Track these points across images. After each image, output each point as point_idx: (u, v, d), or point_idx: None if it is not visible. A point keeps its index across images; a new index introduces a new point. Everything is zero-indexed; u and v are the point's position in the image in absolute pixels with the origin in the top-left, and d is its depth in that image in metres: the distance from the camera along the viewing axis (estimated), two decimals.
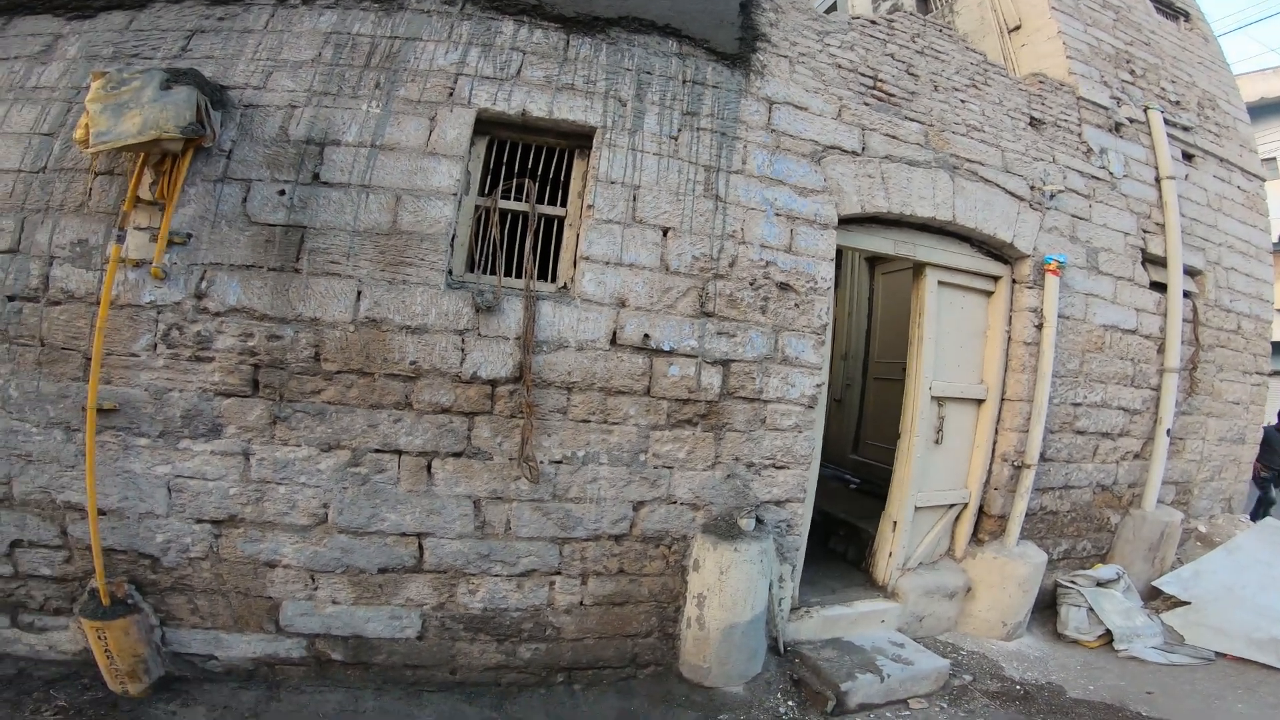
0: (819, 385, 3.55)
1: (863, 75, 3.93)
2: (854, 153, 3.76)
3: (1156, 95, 5.23)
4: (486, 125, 3.31)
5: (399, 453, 3.01)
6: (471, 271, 3.23)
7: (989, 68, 4.43)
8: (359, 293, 3.00)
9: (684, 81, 3.52)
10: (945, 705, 3.48)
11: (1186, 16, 6.06)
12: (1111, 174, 4.74)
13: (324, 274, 3.00)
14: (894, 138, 3.90)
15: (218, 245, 2.98)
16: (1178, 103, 5.37)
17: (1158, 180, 4.93)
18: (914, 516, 4.13)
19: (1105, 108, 4.85)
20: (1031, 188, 4.32)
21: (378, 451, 2.99)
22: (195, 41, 3.22)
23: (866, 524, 4.61)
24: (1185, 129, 5.29)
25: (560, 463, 3.14)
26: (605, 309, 3.20)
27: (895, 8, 6.17)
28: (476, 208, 3.29)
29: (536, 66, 3.33)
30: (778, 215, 3.55)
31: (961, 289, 4.28)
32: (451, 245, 3.16)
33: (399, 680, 3.16)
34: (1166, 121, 5.08)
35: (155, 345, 2.92)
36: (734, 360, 3.37)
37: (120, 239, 2.79)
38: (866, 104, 3.88)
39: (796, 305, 3.53)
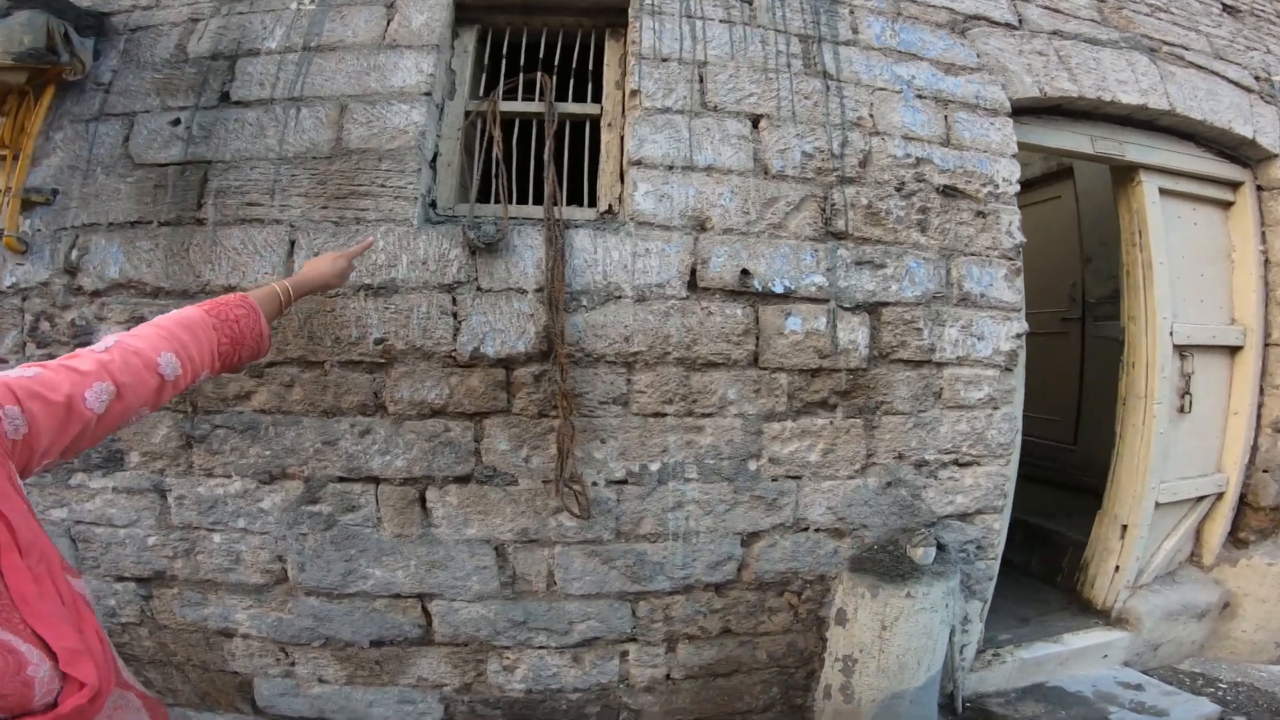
0: (1019, 335, 2.26)
1: None
2: (1009, 25, 2.56)
3: None
4: (473, 11, 2.29)
5: (374, 480, 1.97)
6: (465, 202, 2.12)
7: None
8: (292, 242, 1.95)
9: None
10: None
11: None
12: None
13: (238, 221, 1.97)
14: (1057, 11, 2.69)
15: (92, 200, 2.06)
16: None
17: None
18: (1153, 516, 2.81)
19: None
20: (1256, 78, 3.02)
21: (343, 480, 1.96)
22: None
23: (1055, 524, 3.37)
24: None
25: (623, 483, 2.01)
26: (675, 234, 2.01)
27: None
28: (468, 114, 2.20)
29: None
30: (920, 98, 2.31)
31: (1190, 199, 2.96)
32: (433, 166, 2.11)
33: None
34: None
35: (24, 344, 2.01)
36: (886, 303, 2.12)
37: None
38: None
39: (976, 216, 2.25)
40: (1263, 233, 3.03)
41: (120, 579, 2.11)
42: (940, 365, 2.16)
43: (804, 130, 2.19)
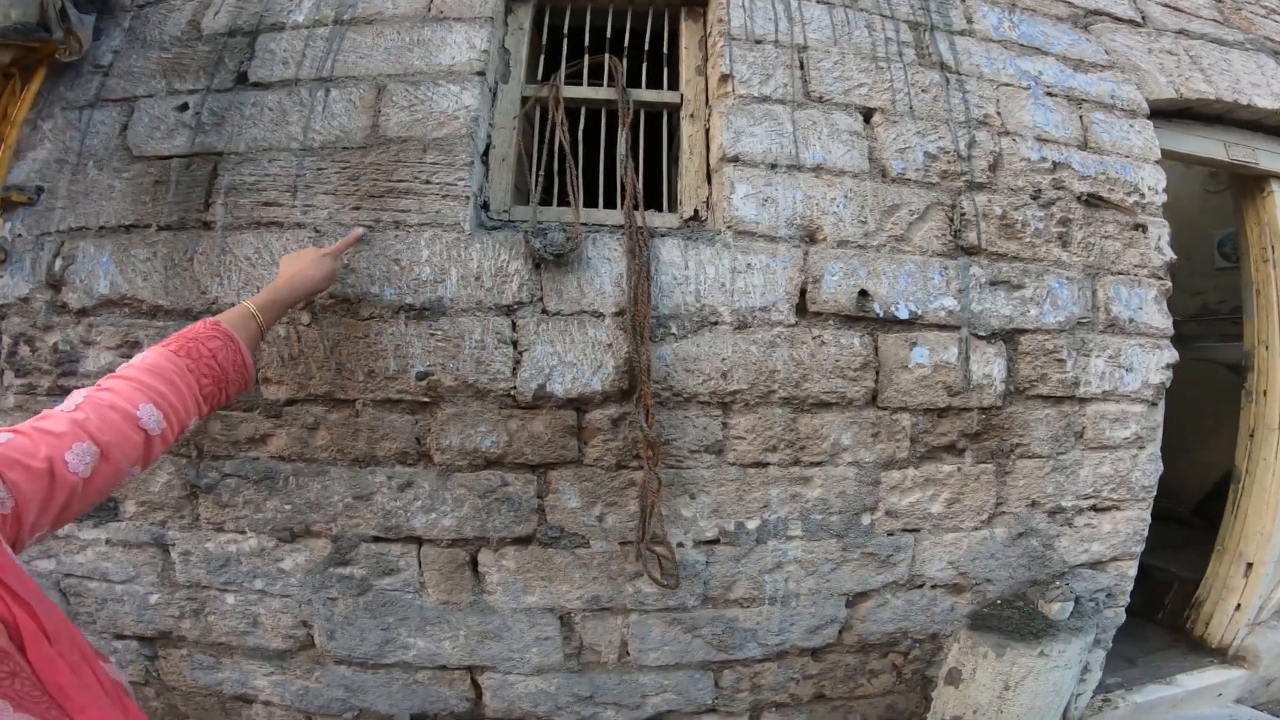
0: (1168, 366, 1.92)
1: None
2: (1133, 22, 2.26)
3: None
4: None
5: (417, 541, 1.64)
6: (525, 204, 1.76)
7: None
8: None
9: None
10: None
11: None
12: None
13: (253, 225, 1.62)
14: (1178, 10, 2.39)
15: (81, 199, 1.71)
16: None
17: None
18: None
19: None
20: None
21: (378, 540, 1.64)
22: None
23: (1151, 557, 3.08)
24: None
25: (714, 543, 1.68)
26: (781, 246, 1.65)
27: None
28: (525, 100, 1.83)
29: None
30: (1051, 95, 1.99)
31: None
32: (485, 160, 1.73)
33: None
34: None
35: (0, 371, 1.67)
36: (1024, 330, 1.77)
37: None
38: None
39: (1123, 229, 1.91)
40: None
41: (120, 637, 1.83)
42: (1084, 401, 1.82)
43: (924, 127, 1.84)
